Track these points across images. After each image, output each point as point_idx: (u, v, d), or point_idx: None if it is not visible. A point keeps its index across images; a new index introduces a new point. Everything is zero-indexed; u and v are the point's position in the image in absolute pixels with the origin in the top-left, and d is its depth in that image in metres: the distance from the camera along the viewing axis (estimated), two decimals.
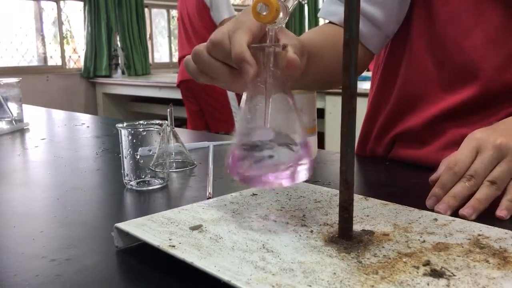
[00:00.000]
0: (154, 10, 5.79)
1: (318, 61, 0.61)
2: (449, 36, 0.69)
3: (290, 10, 0.45)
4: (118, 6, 5.07)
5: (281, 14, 0.43)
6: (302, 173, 0.43)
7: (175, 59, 6.07)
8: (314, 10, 6.85)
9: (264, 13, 0.43)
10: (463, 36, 0.68)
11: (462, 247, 0.38)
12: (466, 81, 0.68)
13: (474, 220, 0.44)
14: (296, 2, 0.46)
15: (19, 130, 1.19)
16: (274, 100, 0.44)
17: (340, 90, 0.39)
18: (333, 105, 2.77)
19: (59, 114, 1.62)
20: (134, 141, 0.64)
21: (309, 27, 6.63)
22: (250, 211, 0.48)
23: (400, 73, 0.76)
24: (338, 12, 0.72)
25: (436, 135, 0.72)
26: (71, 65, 5.18)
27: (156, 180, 0.66)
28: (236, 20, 0.48)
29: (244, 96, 0.45)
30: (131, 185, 0.65)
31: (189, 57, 0.50)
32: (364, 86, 2.01)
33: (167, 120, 0.71)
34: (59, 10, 4.99)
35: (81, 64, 5.10)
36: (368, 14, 0.71)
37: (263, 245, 0.39)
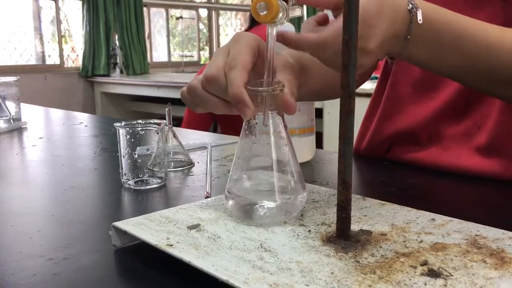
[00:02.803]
0: (153, 9, 5.79)
1: (315, 72, 0.61)
2: None
3: (291, 17, 0.45)
4: (117, 5, 5.07)
5: (280, 14, 0.44)
6: (296, 206, 0.45)
7: (174, 58, 6.08)
8: (313, 11, 6.86)
9: (264, 13, 0.43)
10: None
11: (460, 247, 0.38)
12: (447, 80, 0.69)
13: (472, 220, 0.44)
14: (300, 14, 0.47)
15: (17, 129, 1.19)
16: (269, 137, 0.46)
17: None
18: (331, 105, 2.77)
19: (57, 113, 1.62)
20: (132, 140, 0.64)
21: None
22: None
23: (392, 73, 0.77)
24: None
25: (433, 137, 0.72)
26: (69, 64, 5.17)
27: (154, 180, 0.66)
28: (229, 50, 0.48)
29: (241, 133, 0.47)
30: (129, 184, 0.65)
31: (184, 89, 0.51)
32: (363, 86, 2.01)
33: (165, 119, 0.71)
34: (58, 8, 4.98)
35: (79, 63, 5.10)
36: None
37: (261, 244, 0.39)
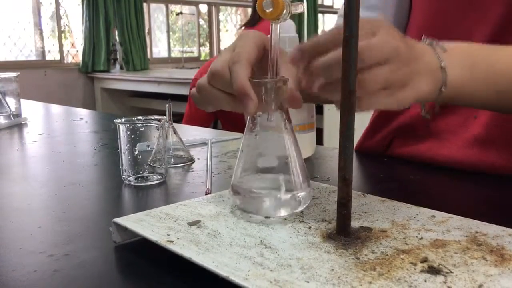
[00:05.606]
0: (152, 5, 5.77)
1: None
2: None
3: (293, 13, 0.46)
4: (117, 0, 5.06)
5: (284, 11, 0.44)
6: (302, 201, 0.45)
7: (174, 54, 6.07)
8: (314, 7, 6.85)
9: (270, 10, 0.44)
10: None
11: (460, 244, 0.38)
12: None
13: (473, 217, 0.44)
14: (301, 11, 0.47)
15: (17, 125, 1.19)
16: (273, 133, 0.47)
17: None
18: None
19: (57, 109, 1.62)
20: (133, 136, 0.64)
21: (308, 25, 6.64)
22: None
23: None
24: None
25: (431, 129, 0.72)
26: (69, 59, 5.16)
27: (154, 176, 0.66)
28: (234, 47, 0.48)
29: (245, 129, 0.48)
30: (129, 180, 0.65)
31: (194, 89, 0.52)
32: None
33: (165, 115, 0.71)
34: (57, 4, 4.97)
35: (79, 58, 5.09)
36: None
37: (261, 241, 0.39)
